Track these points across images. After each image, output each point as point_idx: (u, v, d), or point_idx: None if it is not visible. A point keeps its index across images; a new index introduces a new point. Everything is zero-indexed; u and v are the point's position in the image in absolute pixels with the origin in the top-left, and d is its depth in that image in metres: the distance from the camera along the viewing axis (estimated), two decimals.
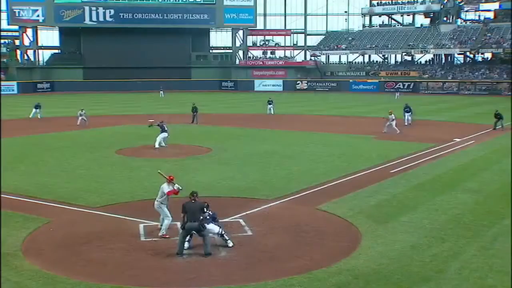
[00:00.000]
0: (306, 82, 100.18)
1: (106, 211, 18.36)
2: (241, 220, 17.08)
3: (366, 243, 14.93)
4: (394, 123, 38.41)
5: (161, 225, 15.77)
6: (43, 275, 12.92)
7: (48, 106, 57.13)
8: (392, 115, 38.87)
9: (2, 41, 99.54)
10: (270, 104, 53.50)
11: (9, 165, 27.03)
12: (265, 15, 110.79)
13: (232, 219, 17.21)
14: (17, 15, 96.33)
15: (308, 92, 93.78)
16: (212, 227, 14.68)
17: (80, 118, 43.99)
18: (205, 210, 14.57)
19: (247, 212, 17.98)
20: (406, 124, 41.97)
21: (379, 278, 12.64)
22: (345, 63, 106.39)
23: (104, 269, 13.48)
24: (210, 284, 12.53)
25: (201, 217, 14.25)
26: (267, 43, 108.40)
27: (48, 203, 19.43)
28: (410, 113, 42.80)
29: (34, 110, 50.38)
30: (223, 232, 14.79)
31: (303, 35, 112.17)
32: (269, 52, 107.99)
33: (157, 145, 31.41)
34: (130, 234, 15.97)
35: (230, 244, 14.71)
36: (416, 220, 16.95)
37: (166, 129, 31.73)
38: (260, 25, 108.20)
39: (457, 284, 12.23)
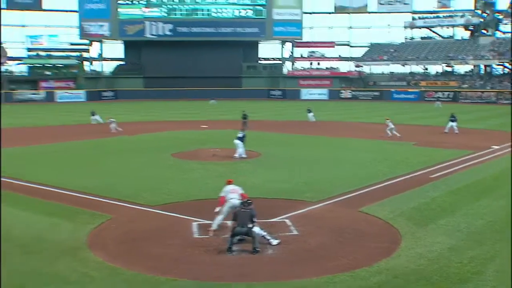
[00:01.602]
0: (349, 91, 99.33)
1: (162, 210, 18.59)
2: (287, 221, 17.04)
3: (406, 244, 14.71)
4: (393, 128, 39.44)
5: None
6: (106, 267, 13.18)
7: (111, 113, 58.20)
8: (388, 121, 39.84)
9: (73, 53, 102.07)
10: (309, 112, 53.21)
11: (77, 165, 27.75)
12: (312, 28, 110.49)
13: (279, 219, 17.20)
14: (86, 30, 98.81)
15: (351, 101, 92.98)
16: (259, 231, 14.69)
17: (110, 125, 43.76)
18: (254, 220, 14.55)
19: (293, 213, 17.93)
20: (446, 131, 41.18)
21: (419, 278, 12.43)
22: (387, 74, 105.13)
23: (161, 263, 13.65)
24: (257, 279, 12.55)
25: (250, 225, 14.33)
26: (313, 54, 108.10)
27: (111, 201, 19.79)
28: (455, 122, 41.96)
29: (92, 117, 51.03)
30: (264, 234, 14.80)
31: (347, 47, 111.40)
32: (315, 62, 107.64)
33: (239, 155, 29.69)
34: (185, 231, 16.13)
35: (274, 242, 14.70)
36: (454, 224, 16.61)
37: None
38: (306, 38, 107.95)
39: (495, 286, 11.93)
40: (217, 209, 15.87)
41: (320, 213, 18.28)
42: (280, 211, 17.96)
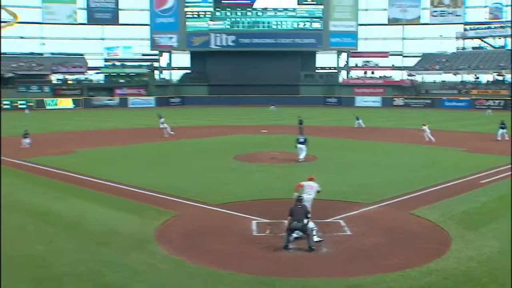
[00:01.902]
0: (402, 99, 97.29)
1: (224, 208, 18.70)
2: (341, 221, 16.83)
3: (456, 247, 14.25)
4: (428, 133, 38.75)
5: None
6: (172, 260, 13.36)
7: (177, 118, 59.22)
8: (425, 127, 39.26)
9: (145, 63, 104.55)
10: (358, 119, 52.41)
11: (147, 166, 28.29)
12: (366, 39, 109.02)
13: (333, 219, 17.01)
14: (157, 42, 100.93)
15: (404, 108, 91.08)
16: (312, 226, 14.63)
17: (164, 129, 43.57)
18: (308, 216, 14.49)
19: (347, 214, 17.70)
20: (498, 138, 39.72)
21: (468, 279, 12.02)
22: (439, 82, 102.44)
23: (221, 258, 13.72)
24: (312, 276, 12.44)
25: (305, 221, 14.22)
26: (367, 64, 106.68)
27: (177, 199, 20.06)
28: (505, 129, 40.45)
29: (160, 120, 51.55)
30: (314, 228, 14.75)
31: (400, 56, 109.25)
32: (369, 71, 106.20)
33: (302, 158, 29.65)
34: (244, 229, 16.17)
35: (316, 238, 14.53)
36: (504, 228, 15.94)
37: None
38: (361, 48, 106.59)
39: None
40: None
41: (373, 214, 17.97)
42: (335, 212, 17.77)
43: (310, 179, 16.92)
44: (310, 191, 16.36)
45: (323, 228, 15.67)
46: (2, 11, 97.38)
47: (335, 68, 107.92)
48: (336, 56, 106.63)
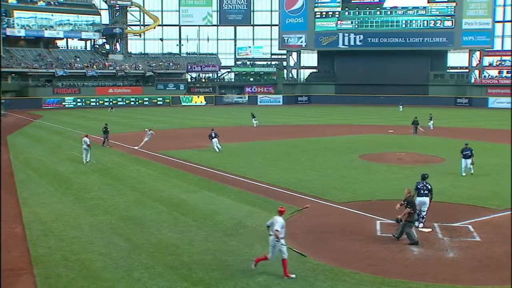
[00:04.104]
0: None
1: (348, 207, 18.55)
2: (470, 226, 15.98)
3: None
4: None
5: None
6: (295, 255, 13.49)
7: (306, 116, 59.48)
8: None
9: (274, 62, 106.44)
10: (430, 120, 48.47)
11: (274, 162, 28.80)
12: (502, 36, 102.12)
13: (461, 223, 16.20)
14: (285, 42, 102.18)
15: None
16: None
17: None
18: None
19: (476, 219, 16.77)
20: None
21: None
22: None
23: (344, 256, 13.64)
24: (438, 281, 11.93)
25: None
26: (503, 63, 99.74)
27: (301, 196, 20.22)
28: None
29: (253, 119, 51.31)
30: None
31: None
32: (504, 71, 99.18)
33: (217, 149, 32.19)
34: (368, 229, 15.93)
35: (420, 226, 15.13)
36: None
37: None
38: (498, 46, 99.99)
39: None
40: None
41: (504, 221, 16.84)
42: (463, 216, 16.93)
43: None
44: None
45: (450, 232, 14.99)
46: (146, 16, 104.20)
47: (466, 68, 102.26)
48: (468, 55, 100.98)
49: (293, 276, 12.11)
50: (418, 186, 16.12)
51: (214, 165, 27.48)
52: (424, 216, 15.90)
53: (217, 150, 32.15)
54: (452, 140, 38.98)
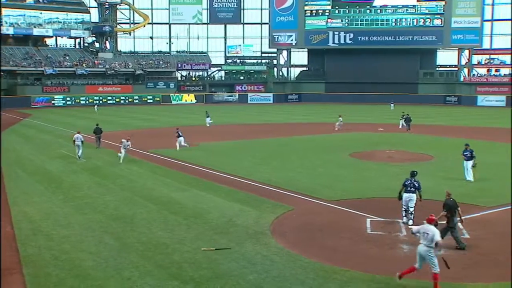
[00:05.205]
0: None
1: (338, 205, 18.58)
2: (459, 224, 16.04)
3: None
4: None
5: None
6: (286, 253, 13.53)
7: (296, 114, 59.41)
8: None
9: (264, 61, 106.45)
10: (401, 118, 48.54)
11: (264, 161, 28.81)
12: (491, 35, 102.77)
13: None
14: (275, 40, 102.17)
15: None
16: None
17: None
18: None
19: (464, 217, 16.82)
20: None
21: None
22: None
23: (335, 254, 13.67)
24: (428, 278, 11.97)
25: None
26: (491, 61, 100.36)
27: (292, 194, 20.25)
28: None
29: (206, 118, 49.72)
30: None
31: None
32: (493, 69, 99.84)
33: (178, 148, 32.39)
34: (358, 227, 15.98)
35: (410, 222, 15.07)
36: None
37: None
38: (486, 45, 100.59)
39: None
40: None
41: (492, 218, 16.99)
42: None
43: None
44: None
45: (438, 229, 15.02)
46: (135, 14, 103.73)
47: (455, 66, 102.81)
48: (457, 53, 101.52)
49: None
50: (406, 183, 16.33)
51: (204, 163, 27.44)
52: (413, 212, 16.01)
53: (178, 148, 32.34)
54: (440, 138, 39.25)
